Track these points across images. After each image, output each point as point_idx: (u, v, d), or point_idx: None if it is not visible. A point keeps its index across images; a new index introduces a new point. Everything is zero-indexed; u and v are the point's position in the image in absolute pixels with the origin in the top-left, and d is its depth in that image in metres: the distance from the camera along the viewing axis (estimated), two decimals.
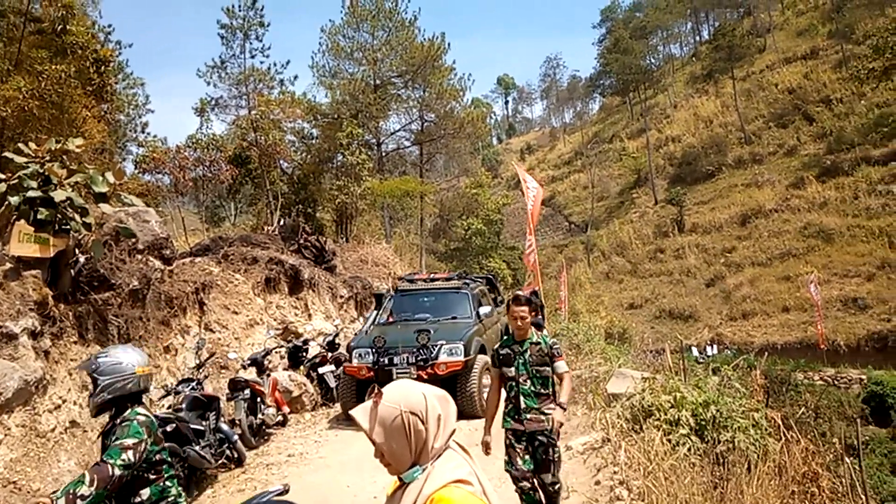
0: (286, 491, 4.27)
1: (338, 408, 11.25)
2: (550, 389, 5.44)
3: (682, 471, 6.22)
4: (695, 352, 32.82)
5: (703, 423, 7.18)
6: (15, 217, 7.56)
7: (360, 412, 1.99)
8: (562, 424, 5.33)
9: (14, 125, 13.97)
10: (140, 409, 3.66)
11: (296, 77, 35.72)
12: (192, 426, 7.73)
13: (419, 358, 9.87)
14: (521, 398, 5.37)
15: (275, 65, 26.54)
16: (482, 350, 10.45)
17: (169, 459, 3.78)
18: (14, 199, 7.45)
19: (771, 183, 54.80)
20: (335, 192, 26.10)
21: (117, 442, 3.45)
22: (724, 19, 78.85)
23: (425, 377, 9.54)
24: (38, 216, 7.49)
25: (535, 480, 5.31)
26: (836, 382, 30.05)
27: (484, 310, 11.39)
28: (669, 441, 6.85)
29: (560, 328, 17.78)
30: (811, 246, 47.05)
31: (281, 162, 26.62)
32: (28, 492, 6.53)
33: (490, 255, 43.41)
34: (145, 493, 3.60)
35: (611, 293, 53.41)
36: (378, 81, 30.96)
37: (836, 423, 16.55)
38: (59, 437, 7.32)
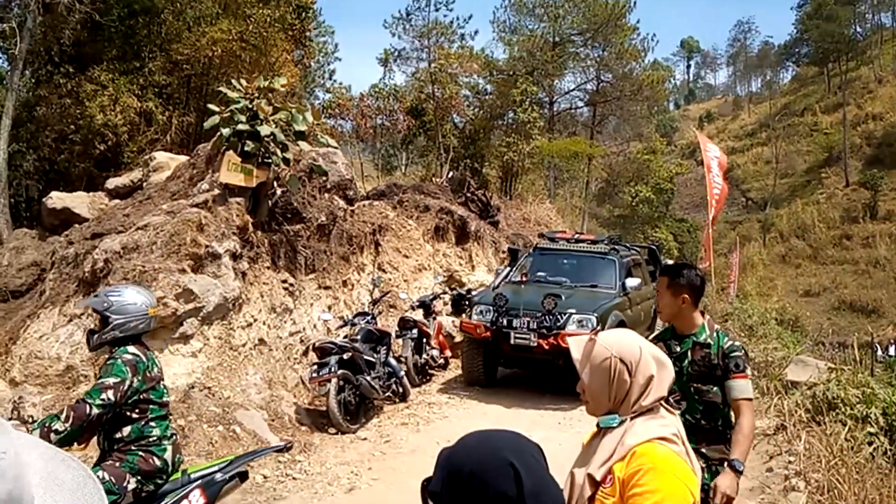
0: (289, 448, 4.42)
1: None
2: (718, 422, 3.59)
3: (870, 471, 5.82)
4: (880, 351, 30.20)
5: None
6: (225, 147, 8.28)
7: (576, 343, 2.01)
8: (731, 500, 3.29)
9: (219, 65, 15.12)
10: (130, 348, 3.65)
11: (476, 32, 36.26)
12: (365, 357, 8.18)
13: (542, 324, 8.85)
14: None
15: (457, 19, 26.77)
16: (621, 327, 8.73)
17: (159, 400, 3.74)
18: (226, 131, 8.15)
19: None
20: (503, 148, 26.23)
21: (99, 381, 3.50)
22: None
23: (546, 347, 8.74)
24: (245, 148, 8.15)
25: None
26: None
27: (632, 282, 10.07)
28: (854, 438, 6.42)
29: (732, 308, 17.07)
30: None
31: (454, 116, 27.06)
32: (220, 398, 7.22)
33: (657, 226, 41.77)
34: (126, 430, 3.61)
35: (785, 277, 49.80)
36: (557, 39, 30.49)
37: None
38: (248, 351, 8.03)
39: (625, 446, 1.85)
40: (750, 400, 3.51)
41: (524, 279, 10.61)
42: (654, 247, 14.09)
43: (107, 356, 3.72)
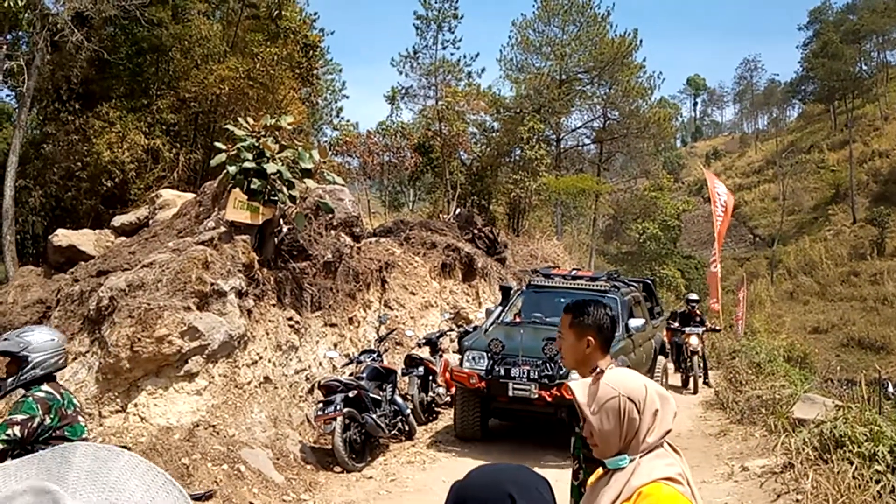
0: (209, 496, 4.26)
1: None
2: None
3: None
4: (889, 387, 30.00)
5: None
6: (231, 185, 8.29)
7: (579, 386, 2.00)
8: None
9: (226, 103, 15.24)
10: (44, 387, 3.67)
11: (483, 70, 36.55)
12: (371, 395, 8.10)
13: (543, 373, 8.02)
14: None
15: (464, 57, 27.07)
16: None
17: (76, 438, 3.70)
18: (232, 169, 8.16)
19: None
20: (510, 185, 26.38)
21: (8, 417, 3.52)
22: None
23: (549, 399, 7.96)
24: (251, 186, 8.16)
25: None
26: None
27: (635, 322, 9.15)
28: (862, 476, 6.36)
29: (739, 345, 16.95)
30: None
31: (461, 153, 27.22)
32: (225, 436, 7.13)
33: (664, 263, 41.91)
34: None
35: (793, 314, 49.67)
36: (564, 77, 30.72)
37: None
38: (253, 389, 7.93)
39: (631, 487, 1.84)
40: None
41: (517, 320, 9.63)
42: (648, 281, 13.26)
43: (20, 395, 3.73)
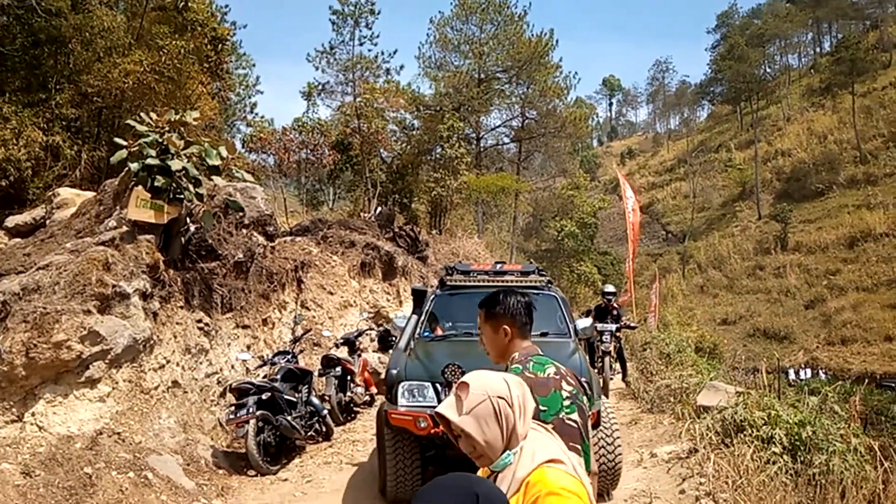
0: None
1: None
2: None
3: (773, 488, 6.02)
4: (791, 374, 31.60)
5: (797, 443, 6.90)
6: (133, 183, 7.94)
7: (447, 406, 1.92)
8: None
9: (132, 97, 14.60)
10: None
11: (402, 67, 36.32)
12: (286, 397, 7.94)
13: None
14: None
15: (382, 53, 26.99)
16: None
17: None
18: (134, 166, 7.81)
19: (884, 206, 52.18)
20: (432, 183, 26.46)
21: None
22: (848, 31, 74.75)
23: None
24: (155, 183, 7.83)
25: None
26: None
27: (582, 323, 7.57)
28: (760, 458, 6.65)
29: (650, 337, 17.43)
30: None
31: (381, 151, 27.09)
32: (131, 443, 6.84)
33: (582, 259, 42.84)
34: None
35: (704, 307, 52.04)
36: (482, 75, 31.01)
37: None
38: (161, 394, 7.63)
39: (517, 480, 1.84)
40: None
41: (440, 333, 7.47)
42: (536, 268, 10.66)
43: None
